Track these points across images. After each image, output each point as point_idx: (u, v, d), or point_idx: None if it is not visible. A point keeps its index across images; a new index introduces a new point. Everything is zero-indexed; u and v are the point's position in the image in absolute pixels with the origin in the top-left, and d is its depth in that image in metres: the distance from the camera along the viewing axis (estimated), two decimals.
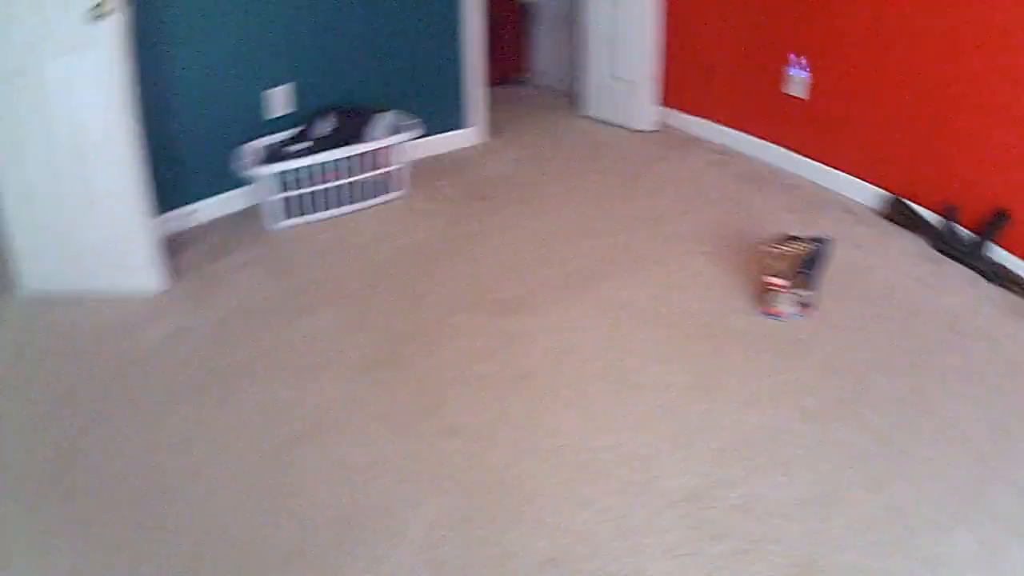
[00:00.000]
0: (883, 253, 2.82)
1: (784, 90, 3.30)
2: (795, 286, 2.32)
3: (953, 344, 2.24)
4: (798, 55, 3.21)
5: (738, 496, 1.63)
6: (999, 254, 2.76)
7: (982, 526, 1.56)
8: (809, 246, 2.38)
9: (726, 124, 3.63)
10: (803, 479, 1.69)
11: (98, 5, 2.08)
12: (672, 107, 3.80)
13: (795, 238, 2.42)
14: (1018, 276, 2.75)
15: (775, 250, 2.34)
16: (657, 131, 3.73)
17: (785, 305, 2.34)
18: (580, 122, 3.87)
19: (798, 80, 3.23)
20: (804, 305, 2.36)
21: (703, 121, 3.70)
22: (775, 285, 2.32)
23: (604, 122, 3.81)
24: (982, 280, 2.73)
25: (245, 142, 2.89)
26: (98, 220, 2.31)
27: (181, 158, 2.76)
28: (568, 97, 4.14)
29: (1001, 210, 2.79)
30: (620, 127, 3.75)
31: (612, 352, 2.12)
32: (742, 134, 3.57)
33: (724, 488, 1.65)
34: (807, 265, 2.34)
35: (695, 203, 3.05)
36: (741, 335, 2.23)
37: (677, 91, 3.75)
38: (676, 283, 2.47)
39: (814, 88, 3.22)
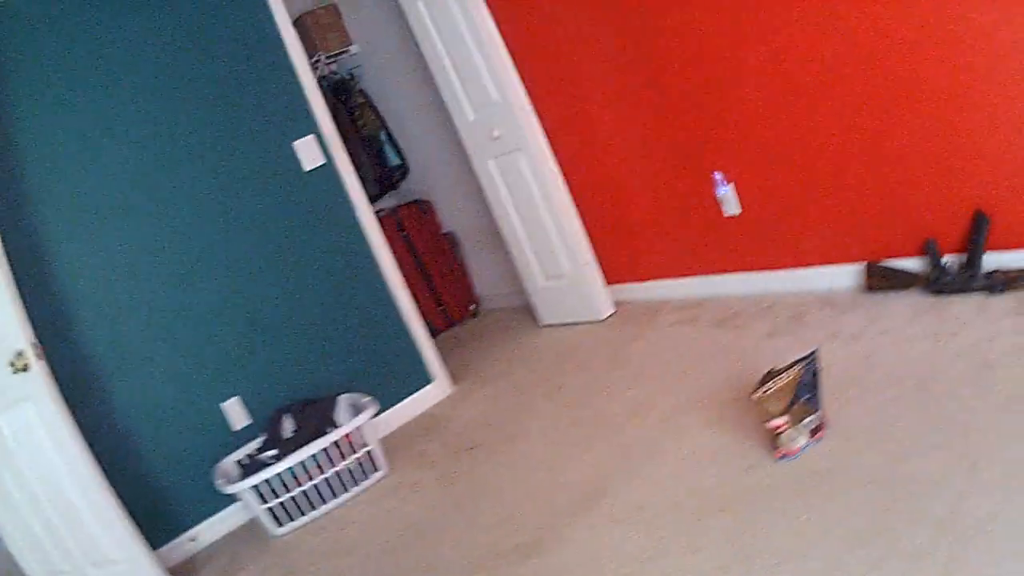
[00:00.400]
0: (879, 328, 2.79)
1: (720, 214, 3.28)
2: (797, 418, 2.23)
3: (986, 382, 2.21)
4: (719, 173, 3.21)
5: None
6: (996, 259, 2.76)
7: None
8: (794, 370, 2.29)
9: (678, 275, 3.54)
10: None
11: (15, 361, 2.17)
12: (621, 282, 3.69)
13: (773, 372, 2.32)
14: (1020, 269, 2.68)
15: (764, 393, 2.25)
16: (615, 313, 3.63)
17: (795, 441, 2.25)
18: (541, 334, 3.75)
19: (728, 198, 3.23)
20: (814, 431, 2.27)
21: (655, 283, 3.61)
22: (777, 427, 2.23)
23: (563, 324, 3.68)
24: (991, 296, 2.69)
25: (219, 459, 2.93)
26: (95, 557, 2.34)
27: (164, 487, 2.83)
28: (523, 312, 4.03)
29: (979, 214, 2.77)
30: (580, 323, 3.63)
31: (642, 562, 2.01)
32: (697, 278, 3.50)
33: None
34: (800, 391, 2.26)
35: (678, 372, 2.95)
36: (762, 491, 2.12)
37: (618, 264, 3.66)
38: (684, 466, 2.36)
39: (744, 198, 3.21)
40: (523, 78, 3.45)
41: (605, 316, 3.59)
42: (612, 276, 3.68)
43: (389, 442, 3.16)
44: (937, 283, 2.96)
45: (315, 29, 4.09)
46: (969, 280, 2.89)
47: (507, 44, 3.41)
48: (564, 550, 2.16)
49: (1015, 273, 2.84)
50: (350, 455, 2.88)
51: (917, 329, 2.78)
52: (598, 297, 3.59)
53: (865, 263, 3.14)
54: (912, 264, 3.05)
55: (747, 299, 3.34)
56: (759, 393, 2.24)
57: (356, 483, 2.91)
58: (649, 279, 3.63)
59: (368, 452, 2.92)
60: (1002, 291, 2.83)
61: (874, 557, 1.77)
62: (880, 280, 3.14)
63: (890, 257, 3.10)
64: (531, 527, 2.32)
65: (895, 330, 2.83)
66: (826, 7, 2.84)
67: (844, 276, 3.19)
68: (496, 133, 3.41)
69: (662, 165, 3.39)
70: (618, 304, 3.68)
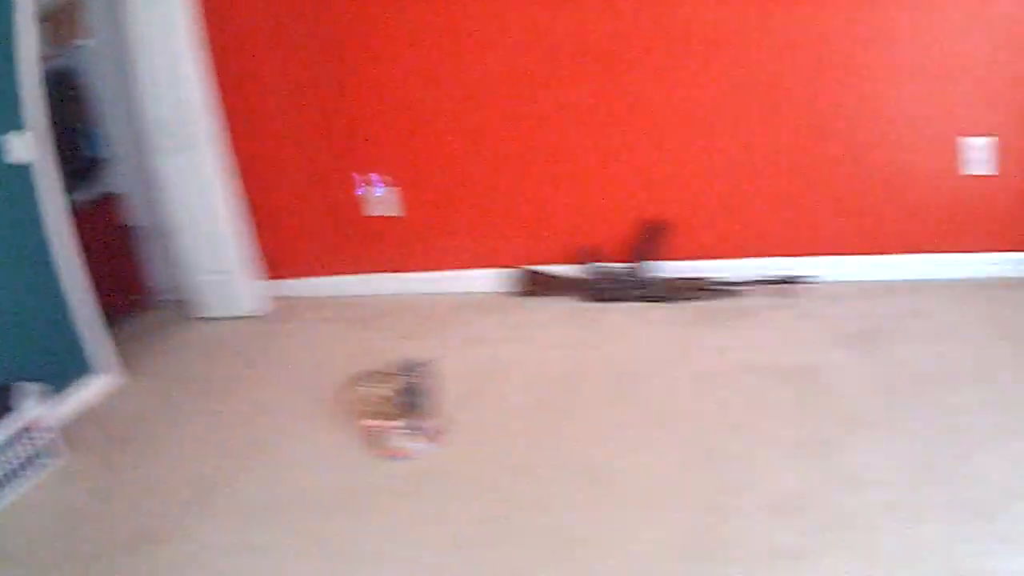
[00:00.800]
0: (524, 334, 2.91)
1: (380, 214, 3.38)
2: (409, 420, 2.24)
3: (624, 391, 2.42)
4: (372, 174, 3.33)
5: None
6: (665, 268, 3.04)
7: None
8: (405, 375, 2.31)
9: (337, 273, 3.60)
10: None
11: None
12: (283, 278, 3.69)
13: (378, 374, 2.35)
14: (693, 280, 2.97)
15: (368, 389, 2.30)
16: (273, 309, 3.59)
17: (402, 442, 2.26)
18: (202, 327, 3.58)
19: (385, 199, 3.34)
20: (423, 434, 2.28)
21: (317, 280, 3.64)
22: (379, 427, 2.25)
23: (224, 319, 3.58)
24: (650, 304, 2.92)
25: None
26: None
27: None
28: (190, 306, 3.83)
29: (646, 225, 3.01)
30: (238, 318, 3.56)
31: (253, 555, 1.98)
32: (356, 277, 3.56)
33: None
34: (410, 395, 2.28)
35: (313, 370, 2.95)
36: (373, 491, 2.16)
37: (281, 260, 3.67)
38: (302, 464, 2.35)
39: (406, 201, 3.34)
40: (217, 78, 3.39)
41: (260, 312, 3.60)
42: (274, 272, 3.69)
43: (63, 433, 2.80)
44: (595, 290, 3.05)
45: (56, 21, 3.71)
46: (630, 288, 3.02)
47: (209, 44, 3.33)
48: (178, 541, 2.09)
49: (680, 283, 3.04)
50: (20, 444, 2.51)
51: (559, 336, 2.92)
52: (255, 293, 3.61)
53: (518, 268, 3.27)
54: (574, 271, 3.21)
55: (393, 300, 3.45)
56: (361, 391, 2.32)
57: (26, 472, 2.53)
58: (302, 276, 3.69)
59: (38, 440, 2.58)
60: (667, 300, 2.99)
61: (468, 567, 1.84)
62: (536, 286, 3.21)
63: (551, 263, 3.26)
64: (154, 516, 2.21)
65: (534, 336, 2.95)
66: (495, 22, 3.04)
67: (491, 280, 3.34)
68: (177, 130, 3.37)
69: (325, 166, 3.46)
70: (277, 300, 3.67)
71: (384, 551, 1.90)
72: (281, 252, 3.66)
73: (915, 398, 2.33)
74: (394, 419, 2.25)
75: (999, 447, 2.04)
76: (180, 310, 3.72)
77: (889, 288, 3.01)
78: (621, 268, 3.07)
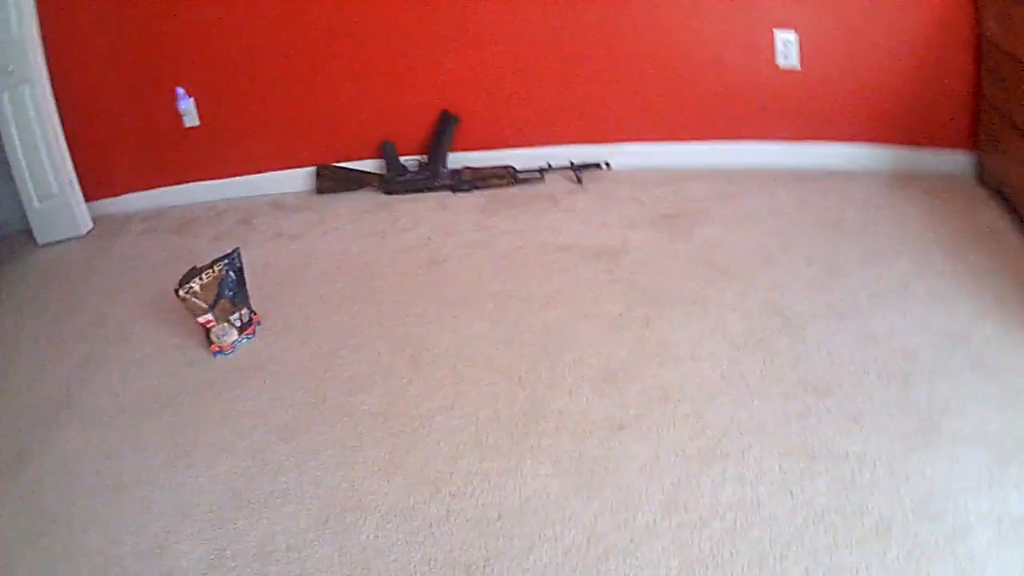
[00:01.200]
0: (324, 228, 3.08)
1: (183, 126, 3.58)
2: (225, 314, 2.48)
3: (431, 278, 2.61)
4: (180, 88, 3.50)
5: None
6: (463, 159, 3.24)
7: None
8: (216, 268, 2.51)
9: (148, 187, 3.79)
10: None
11: None
12: (101, 197, 3.85)
13: (195, 270, 2.52)
14: (491, 169, 3.13)
15: (187, 292, 2.46)
16: (94, 228, 3.76)
17: (226, 336, 2.50)
18: (35, 253, 3.69)
19: (189, 110, 3.54)
20: (244, 327, 2.52)
21: (130, 195, 3.84)
22: (206, 323, 2.49)
23: (55, 243, 3.72)
24: (455, 194, 3.08)
25: None
26: None
27: None
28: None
29: (444, 113, 3.19)
30: (66, 240, 3.71)
31: (97, 462, 2.19)
32: (165, 189, 3.79)
33: None
34: (223, 288, 2.49)
35: (137, 279, 3.13)
36: (200, 386, 2.37)
37: (98, 180, 3.80)
38: (133, 369, 2.54)
39: (203, 110, 3.52)
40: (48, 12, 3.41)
41: (85, 232, 3.77)
42: (92, 193, 3.82)
43: None
44: (393, 182, 3.25)
45: None
46: (430, 179, 3.22)
47: None
48: (41, 455, 2.26)
49: (477, 172, 3.20)
50: None
51: (364, 227, 3.08)
52: (78, 214, 3.77)
53: (320, 166, 3.48)
54: (370, 166, 3.44)
55: (206, 206, 3.65)
56: (182, 292, 2.46)
57: None
58: (125, 192, 3.87)
59: None
60: (468, 189, 3.18)
61: (299, 450, 2.04)
62: (331, 182, 3.41)
63: (347, 160, 3.46)
64: (17, 435, 2.37)
65: (340, 229, 3.11)
66: None
67: (297, 180, 3.58)
68: (11, 67, 3.44)
69: (131, 80, 3.58)
70: (98, 219, 3.83)
71: (214, 441, 2.12)
72: (105, 172, 3.80)
73: (729, 277, 2.43)
74: (211, 313, 2.45)
75: (822, 326, 2.17)
76: (22, 241, 3.78)
77: (695, 175, 3.14)
78: (418, 160, 3.30)
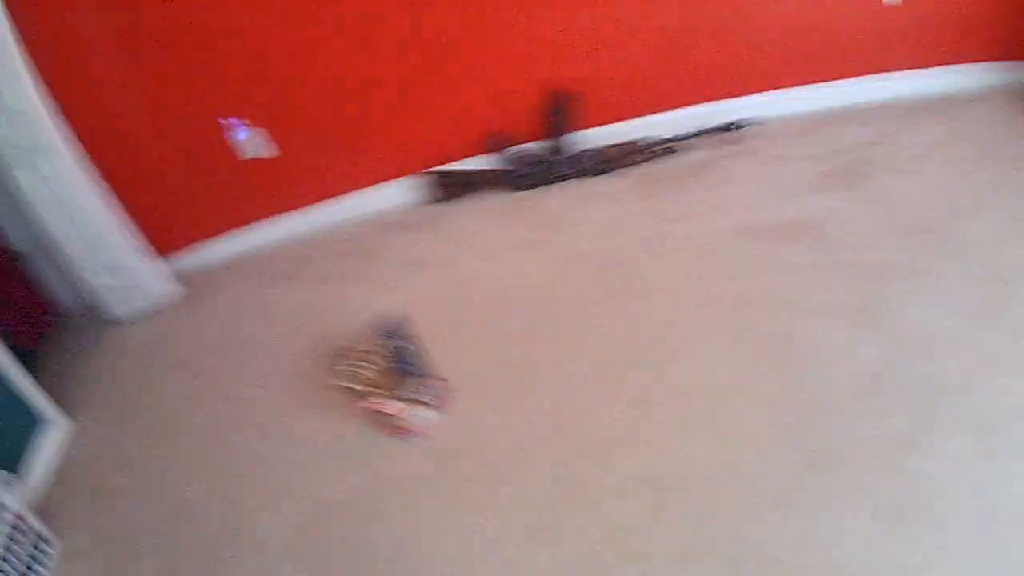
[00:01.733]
0: (466, 246, 2.60)
1: (256, 159, 3.08)
2: (407, 391, 2.02)
3: (629, 285, 2.25)
4: (234, 119, 3.02)
5: None
6: (589, 138, 2.84)
7: None
8: (377, 342, 2.06)
9: (235, 228, 3.33)
10: None
11: None
12: (179, 248, 3.38)
13: (349, 349, 2.12)
14: (625, 145, 2.72)
15: (348, 376, 2.04)
16: (185, 288, 3.22)
17: (418, 417, 2.01)
18: (120, 334, 3.21)
19: (253, 141, 3.03)
20: (435, 400, 2.04)
21: (212, 244, 3.36)
22: (384, 410, 2.01)
23: (139, 319, 3.26)
24: (588, 179, 2.68)
25: None
26: None
27: None
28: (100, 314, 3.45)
29: (555, 93, 2.75)
30: (154, 312, 3.24)
31: None
32: (249, 229, 3.30)
33: None
34: (400, 362, 2.03)
35: (269, 351, 2.60)
36: (413, 483, 1.94)
37: (168, 235, 3.35)
38: (312, 471, 2.08)
39: (278, 137, 3.04)
40: (47, 81, 2.88)
41: (175, 296, 3.28)
42: (171, 248, 3.35)
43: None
44: (520, 177, 2.76)
45: None
46: (558, 167, 2.75)
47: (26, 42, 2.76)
48: None
49: (612, 150, 2.72)
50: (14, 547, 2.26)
51: (510, 238, 2.59)
52: (160, 278, 3.28)
53: (429, 172, 3.01)
54: (490, 162, 2.96)
55: (306, 241, 3.09)
56: (340, 378, 2.04)
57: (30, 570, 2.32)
58: (210, 238, 3.39)
59: (29, 535, 2.33)
60: (608, 171, 2.72)
61: (565, 556, 1.62)
62: (454, 188, 2.91)
63: (450, 160, 3.01)
64: (191, 553, 2.00)
65: (482, 245, 2.61)
66: None
67: (401, 192, 3.10)
68: (23, 141, 2.93)
69: (186, 122, 3.09)
70: (187, 276, 3.31)
71: (455, 556, 1.69)
72: (169, 225, 3.33)
73: (936, 236, 2.21)
74: (392, 394, 2.00)
75: None
76: (92, 323, 3.30)
77: (842, 116, 2.90)
78: (541, 147, 2.84)
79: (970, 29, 2.96)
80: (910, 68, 3.06)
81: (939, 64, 3.05)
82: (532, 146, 2.91)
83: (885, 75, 3.07)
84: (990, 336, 1.92)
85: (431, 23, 2.80)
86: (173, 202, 3.28)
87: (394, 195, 3.17)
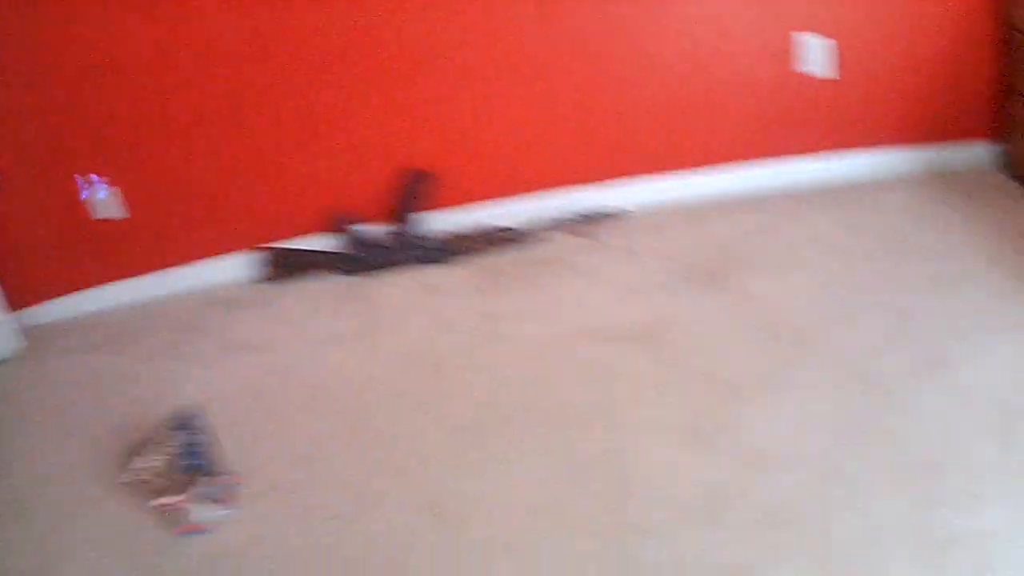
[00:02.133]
0: (289, 332, 2.56)
1: (106, 219, 2.96)
2: (190, 488, 1.95)
3: (438, 391, 2.17)
4: (95, 176, 2.89)
5: None
6: (438, 221, 2.77)
7: None
8: (168, 434, 2.04)
9: (72, 290, 3.14)
10: None
11: None
12: (30, 303, 3.18)
13: (145, 442, 2.05)
14: (476, 232, 2.63)
15: (138, 474, 2.00)
16: (26, 343, 3.05)
17: (198, 514, 1.98)
18: None
19: (107, 201, 2.91)
20: (220, 497, 2.01)
21: (58, 301, 3.16)
22: (166, 505, 1.96)
23: None
24: (428, 266, 2.61)
25: None
26: None
27: None
28: None
29: (417, 173, 2.68)
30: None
31: None
32: (94, 290, 3.14)
33: None
34: (184, 456, 2.00)
35: (79, 421, 2.47)
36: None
37: (18, 287, 3.13)
38: (89, 558, 1.98)
39: (131, 199, 2.94)
40: None
41: (18, 349, 3.07)
42: (19, 301, 3.15)
43: None
44: (360, 260, 2.66)
45: None
46: (400, 251, 2.65)
47: None
48: None
49: (461, 237, 2.66)
50: None
51: (339, 326, 2.54)
52: (4, 331, 3.08)
53: (266, 248, 2.91)
54: (330, 242, 2.87)
55: (137, 309, 3.00)
56: (129, 476, 1.99)
57: None
58: (56, 296, 3.21)
59: None
60: (451, 260, 2.61)
61: None
62: (289, 267, 2.81)
63: (294, 236, 2.92)
64: None
65: (309, 331, 2.57)
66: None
67: (236, 267, 3.01)
68: None
69: (45, 177, 2.95)
70: (33, 330, 3.13)
71: None
72: (20, 277, 3.12)
73: (797, 346, 2.09)
74: (180, 489, 1.94)
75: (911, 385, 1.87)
76: None
77: (719, 207, 2.74)
78: (387, 228, 2.75)
79: (878, 111, 2.87)
80: (811, 152, 2.91)
81: (843, 148, 2.91)
82: (378, 227, 2.81)
83: (780, 159, 2.91)
84: (850, 457, 1.78)
85: (293, 99, 2.77)
86: (28, 256, 3.15)
87: (234, 269, 3.05)
